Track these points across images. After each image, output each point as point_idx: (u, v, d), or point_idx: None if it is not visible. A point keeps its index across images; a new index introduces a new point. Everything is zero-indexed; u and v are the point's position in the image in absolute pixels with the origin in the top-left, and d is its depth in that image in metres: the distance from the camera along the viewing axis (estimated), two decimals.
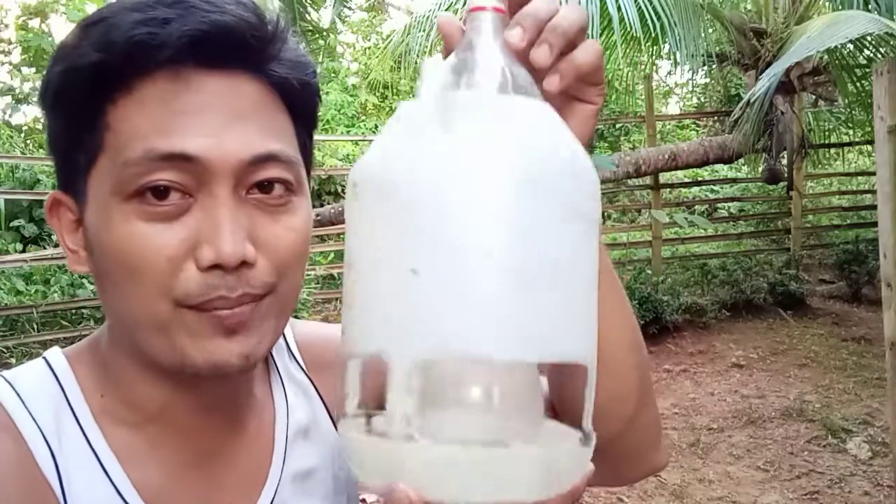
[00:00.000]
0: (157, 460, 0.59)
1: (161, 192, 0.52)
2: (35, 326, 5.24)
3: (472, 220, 0.39)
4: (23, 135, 8.99)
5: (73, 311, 5.60)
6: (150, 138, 0.51)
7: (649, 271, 6.50)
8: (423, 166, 0.40)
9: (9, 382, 0.58)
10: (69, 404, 0.58)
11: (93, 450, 0.57)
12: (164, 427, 0.60)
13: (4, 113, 9.80)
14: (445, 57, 0.49)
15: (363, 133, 10.13)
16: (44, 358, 0.61)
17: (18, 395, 0.57)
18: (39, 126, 9.44)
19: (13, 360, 4.74)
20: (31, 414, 0.56)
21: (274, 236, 0.55)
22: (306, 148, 0.60)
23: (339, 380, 0.45)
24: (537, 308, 0.40)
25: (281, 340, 0.70)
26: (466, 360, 0.40)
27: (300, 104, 0.58)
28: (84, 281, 5.72)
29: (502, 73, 0.45)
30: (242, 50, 0.53)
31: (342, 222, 5.86)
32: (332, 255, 6.51)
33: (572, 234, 0.42)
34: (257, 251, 0.53)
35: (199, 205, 0.52)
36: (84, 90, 0.52)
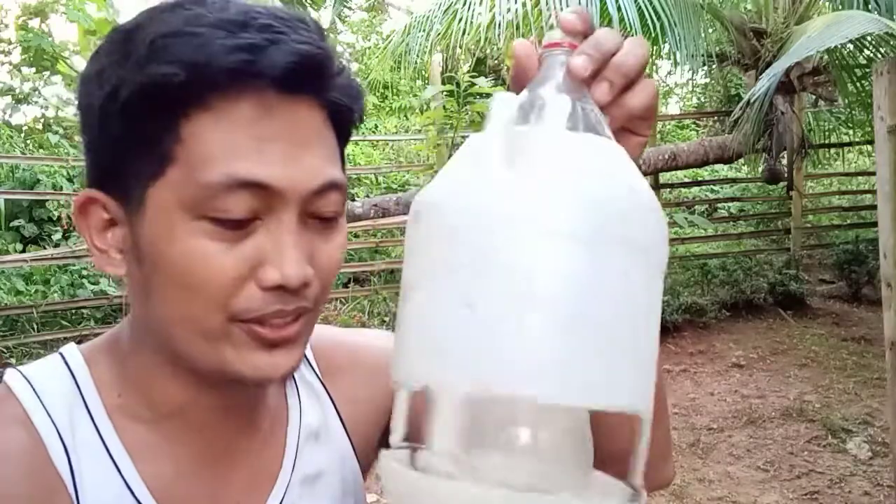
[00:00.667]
0: (169, 456, 0.60)
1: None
2: (35, 326, 5.25)
3: (531, 259, 0.38)
4: (23, 135, 8.97)
5: (73, 311, 5.62)
6: (229, 162, 0.51)
7: None
8: (482, 202, 0.40)
9: (25, 377, 0.58)
10: (83, 400, 0.59)
11: (105, 445, 0.58)
12: (179, 423, 0.61)
13: (4, 113, 9.80)
14: (515, 89, 0.49)
15: (363, 133, 10.13)
16: (60, 353, 0.61)
17: (34, 389, 0.58)
18: (39, 126, 9.43)
19: (13, 360, 4.75)
20: (45, 409, 0.57)
21: (326, 256, 0.57)
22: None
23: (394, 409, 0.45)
24: (593, 354, 0.39)
25: None
26: (514, 401, 0.39)
27: (347, 127, 0.60)
28: (84, 281, 5.72)
29: (572, 110, 0.45)
30: (319, 79, 0.54)
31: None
32: None
33: (635, 279, 0.40)
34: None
35: (265, 227, 0.53)
36: (160, 103, 0.51)
